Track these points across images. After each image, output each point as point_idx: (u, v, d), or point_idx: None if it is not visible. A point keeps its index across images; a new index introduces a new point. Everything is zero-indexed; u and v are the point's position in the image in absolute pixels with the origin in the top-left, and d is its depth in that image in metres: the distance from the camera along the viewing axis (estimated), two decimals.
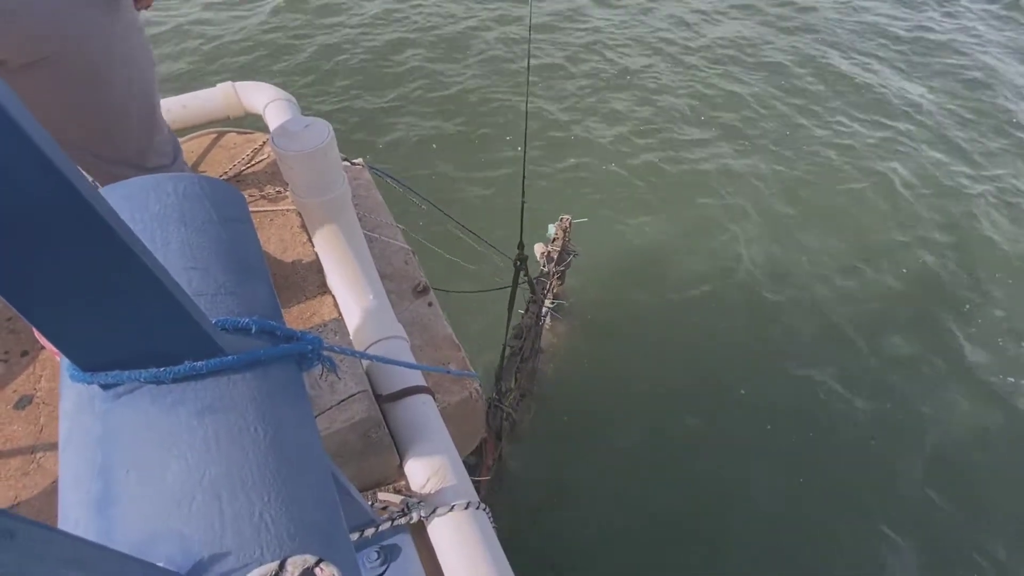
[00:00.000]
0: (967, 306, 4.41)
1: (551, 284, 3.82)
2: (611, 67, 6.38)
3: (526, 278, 3.42)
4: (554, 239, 3.93)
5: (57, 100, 1.09)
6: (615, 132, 5.59)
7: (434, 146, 5.32)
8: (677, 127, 5.71)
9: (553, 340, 4.04)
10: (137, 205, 0.61)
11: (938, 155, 5.56)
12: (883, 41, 7.00)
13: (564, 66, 6.32)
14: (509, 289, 3.36)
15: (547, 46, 6.61)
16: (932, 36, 7.08)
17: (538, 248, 3.94)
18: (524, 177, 2.78)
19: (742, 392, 3.85)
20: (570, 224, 4.02)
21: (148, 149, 1.29)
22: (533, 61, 6.17)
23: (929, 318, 4.34)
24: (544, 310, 3.71)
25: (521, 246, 3.11)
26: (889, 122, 5.88)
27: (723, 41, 6.89)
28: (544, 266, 3.82)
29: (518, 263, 3.09)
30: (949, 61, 6.64)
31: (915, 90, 6.27)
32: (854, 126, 5.83)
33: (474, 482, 2.84)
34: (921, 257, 4.74)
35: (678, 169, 5.30)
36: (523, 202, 2.89)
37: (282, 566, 0.41)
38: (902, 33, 7.13)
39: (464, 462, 2.92)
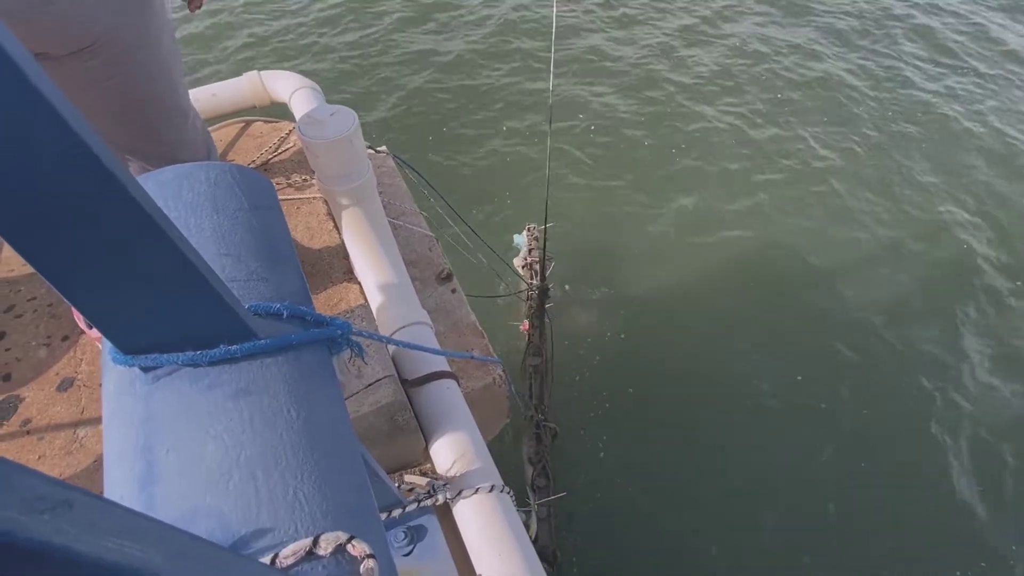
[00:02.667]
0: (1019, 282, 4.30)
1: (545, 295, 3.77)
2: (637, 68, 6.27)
3: (528, 297, 3.45)
4: (531, 249, 3.86)
5: (95, 93, 1.12)
6: (630, 125, 5.50)
7: (454, 135, 5.30)
8: (681, 108, 5.61)
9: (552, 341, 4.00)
10: (171, 193, 0.63)
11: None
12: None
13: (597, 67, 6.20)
14: (509, 296, 3.39)
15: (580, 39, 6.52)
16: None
17: (517, 262, 3.89)
18: (546, 214, 2.77)
19: (799, 378, 3.78)
20: (537, 232, 3.95)
21: (181, 144, 1.32)
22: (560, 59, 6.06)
23: (990, 298, 4.23)
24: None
25: (544, 277, 3.13)
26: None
27: (748, 29, 6.72)
28: (531, 279, 3.77)
29: (540, 295, 3.11)
30: None
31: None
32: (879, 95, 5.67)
33: (544, 506, 2.90)
34: (975, 232, 4.60)
35: (691, 148, 5.21)
36: (545, 240, 2.91)
37: (315, 542, 0.43)
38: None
39: (532, 486, 2.99)
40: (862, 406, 3.67)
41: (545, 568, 2.91)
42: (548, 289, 3.17)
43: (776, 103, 5.68)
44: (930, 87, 5.89)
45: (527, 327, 3.63)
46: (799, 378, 3.78)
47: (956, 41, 6.48)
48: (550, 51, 2.52)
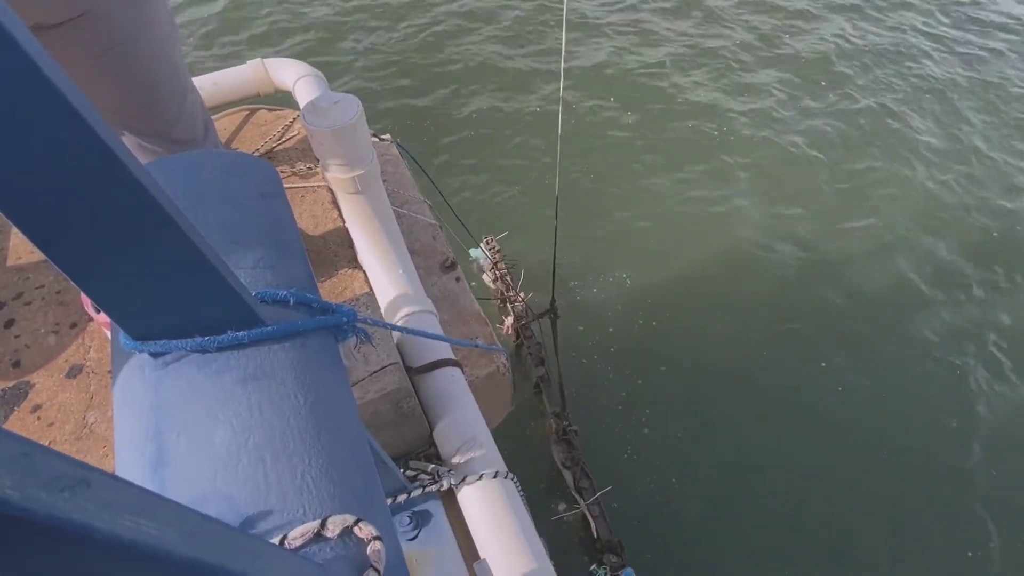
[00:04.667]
0: None
1: (525, 302, 3.69)
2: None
3: (503, 301, 3.42)
4: (496, 262, 3.81)
5: (89, 65, 1.10)
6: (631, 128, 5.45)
7: (466, 129, 5.27)
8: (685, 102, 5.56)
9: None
10: (179, 181, 0.63)
11: None
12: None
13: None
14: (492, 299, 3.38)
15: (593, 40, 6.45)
16: None
17: (486, 279, 3.86)
18: (556, 236, 2.75)
19: (822, 365, 3.81)
20: (496, 243, 3.91)
21: (178, 121, 1.31)
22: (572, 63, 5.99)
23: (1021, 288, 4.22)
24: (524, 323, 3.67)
25: (553, 299, 3.13)
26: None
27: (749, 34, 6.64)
28: (507, 291, 3.73)
29: (552, 316, 3.11)
30: None
31: None
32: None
33: (595, 504, 2.93)
34: (1005, 219, 4.60)
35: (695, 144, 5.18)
36: (555, 265, 2.91)
37: (323, 524, 0.43)
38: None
39: (577, 488, 3.06)
40: (887, 397, 3.69)
41: (616, 561, 2.95)
42: (557, 311, 3.16)
43: (785, 97, 5.62)
44: (942, 63, 5.83)
45: (507, 328, 3.62)
46: (823, 364, 3.82)
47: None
48: (561, 46, 2.49)
